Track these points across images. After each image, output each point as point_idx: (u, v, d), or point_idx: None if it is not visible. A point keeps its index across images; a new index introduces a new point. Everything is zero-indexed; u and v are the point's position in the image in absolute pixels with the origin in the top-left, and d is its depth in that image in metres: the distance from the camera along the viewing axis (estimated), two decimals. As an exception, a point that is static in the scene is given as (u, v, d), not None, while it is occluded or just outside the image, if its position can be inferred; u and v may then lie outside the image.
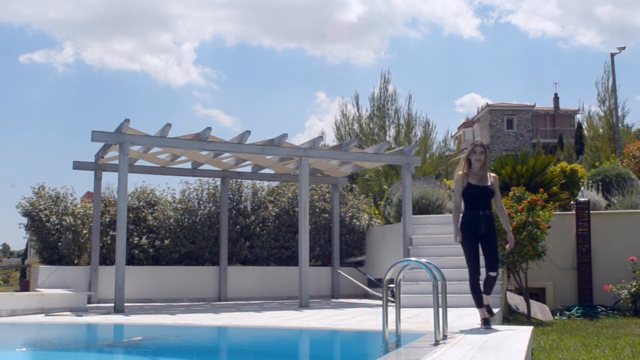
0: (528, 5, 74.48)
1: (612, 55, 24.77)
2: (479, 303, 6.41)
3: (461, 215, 6.52)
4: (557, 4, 74.08)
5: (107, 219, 13.67)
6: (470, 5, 76.53)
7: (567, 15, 74.06)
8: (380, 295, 5.83)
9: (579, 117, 38.91)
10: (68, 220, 13.28)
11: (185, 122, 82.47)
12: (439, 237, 11.61)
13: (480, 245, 6.48)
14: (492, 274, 6.42)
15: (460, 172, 6.54)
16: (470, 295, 6.48)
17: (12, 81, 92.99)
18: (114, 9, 74.21)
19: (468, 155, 6.53)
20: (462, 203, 6.58)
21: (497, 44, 78.38)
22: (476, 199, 6.45)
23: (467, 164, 6.52)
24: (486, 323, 6.32)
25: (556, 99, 50.26)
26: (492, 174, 6.65)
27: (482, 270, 6.49)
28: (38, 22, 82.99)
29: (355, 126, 25.12)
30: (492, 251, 6.48)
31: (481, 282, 6.48)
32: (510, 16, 78.18)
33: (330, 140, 25.46)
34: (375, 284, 13.19)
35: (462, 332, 5.88)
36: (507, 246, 6.72)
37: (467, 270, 6.48)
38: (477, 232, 6.41)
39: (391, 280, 5.47)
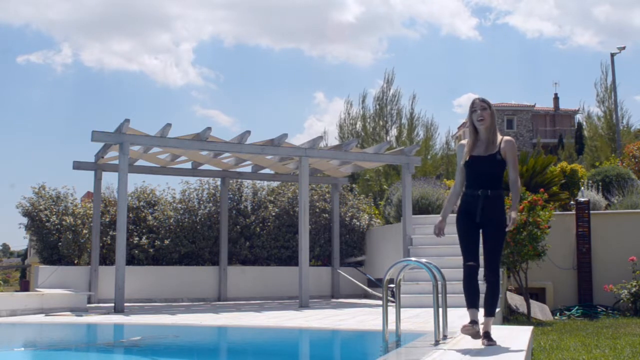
0: (525, 6, 74.43)
1: (612, 55, 24.77)
2: (468, 302, 5.00)
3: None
4: (555, 5, 74.06)
5: (107, 219, 13.67)
6: (467, 6, 76.46)
7: (565, 16, 73.98)
8: (380, 295, 5.82)
9: (579, 117, 38.92)
10: (68, 220, 13.28)
11: (184, 122, 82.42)
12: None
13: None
14: (488, 277, 4.89)
15: (463, 142, 5.11)
16: None
17: (11, 82, 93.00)
18: (112, 10, 74.12)
19: (469, 116, 5.06)
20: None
21: (494, 45, 78.34)
22: (476, 175, 4.93)
23: (474, 131, 5.02)
24: (474, 326, 4.92)
25: (556, 99, 50.24)
26: (506, 137, 5.00)
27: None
28: (36, 23, 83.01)
29: (358, 126, 25.11)
30: (490, 248, 4.90)
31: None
32: (508, 17, 78.18)
33: (333, 139, 25.49)
34: (375, 284, 13.19)
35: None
36: (509, 224, 4.84)
37: None
38: (473, 218, 4.92)
39: (391, 280, 5.46)
